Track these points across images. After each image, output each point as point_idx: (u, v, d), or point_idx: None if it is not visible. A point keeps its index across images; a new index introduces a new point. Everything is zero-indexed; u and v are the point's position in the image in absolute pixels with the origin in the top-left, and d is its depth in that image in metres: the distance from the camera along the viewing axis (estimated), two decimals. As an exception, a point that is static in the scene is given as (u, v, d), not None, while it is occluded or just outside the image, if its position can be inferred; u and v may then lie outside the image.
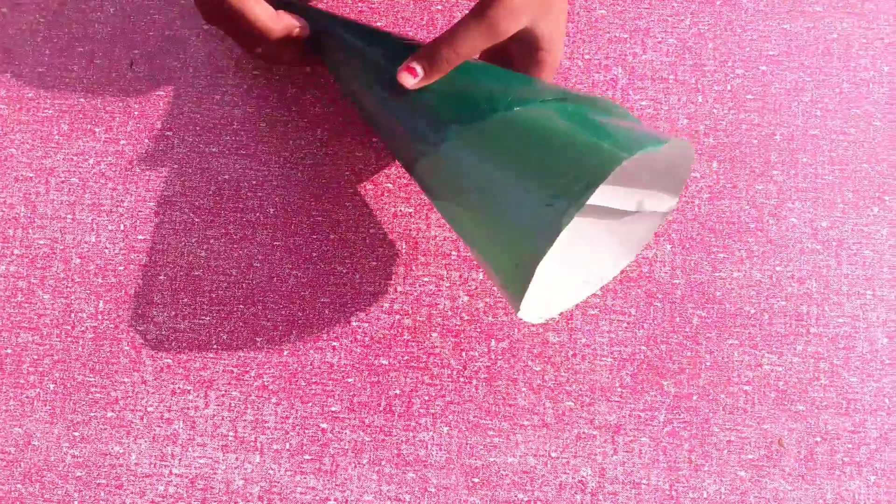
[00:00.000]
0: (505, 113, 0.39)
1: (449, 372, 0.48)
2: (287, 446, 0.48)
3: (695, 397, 0.48)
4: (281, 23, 0.45)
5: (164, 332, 0.49)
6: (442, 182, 0.41)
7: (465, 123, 0.40)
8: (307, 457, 0.48)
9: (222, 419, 0.48)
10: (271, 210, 0.51)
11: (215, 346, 0.49)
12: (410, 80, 0.42)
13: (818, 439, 0.47)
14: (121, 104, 0.52)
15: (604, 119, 0.39)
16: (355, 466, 0.47)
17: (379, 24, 0.53)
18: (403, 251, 0.50)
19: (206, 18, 0.46)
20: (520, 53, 0.44)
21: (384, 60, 0.44)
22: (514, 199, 0.38)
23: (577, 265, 0.46)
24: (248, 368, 0.49)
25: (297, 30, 0.46)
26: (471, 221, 0.40)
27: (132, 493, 0.48)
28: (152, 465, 0.48)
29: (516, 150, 0.39)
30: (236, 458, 0.48)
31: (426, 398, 0.48)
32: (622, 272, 0.49)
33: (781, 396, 0.48)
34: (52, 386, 0.49)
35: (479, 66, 0.43)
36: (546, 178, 0.37)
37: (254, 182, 0.51)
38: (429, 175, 0.42)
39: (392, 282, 0.50)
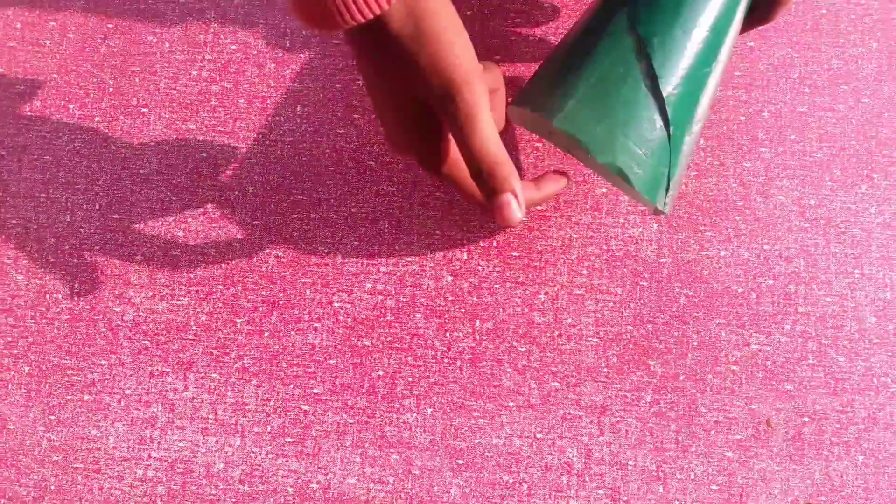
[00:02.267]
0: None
1: (433, 353, 0.48)
2: (268, 429, 0.47)
3: (682, 377, 0.47)
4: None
5: (141, 314, 0.48)
6: None
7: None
8: (289, 439, 0.47)
9: (202, 402, 0.47)
10: (250, 188, 0.49)
11: (194, 328, 0.48)
12: None
13: (806, 419, 0.47)
14: (95, 80, 0.51)
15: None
16: (338, 449, 0.47)
17: None
18: (386, 230, 0.49)
19: (400, 149, 0.41)
20: None
21: None
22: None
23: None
24: (227, 350, 0.48)
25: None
26: None
27: (110, 476, 0.47)
28: (131, 449, 0.47)
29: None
30: (216, 442, 0.47)
31: (410, 380, 0.47)
32: (608, 250, 0.48)
33: (769, 376, 0.47)
34: (27, 369, 0.48)
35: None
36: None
37: (232, 160, 0.50)
38: None
39: (375, 262, 0.49)
